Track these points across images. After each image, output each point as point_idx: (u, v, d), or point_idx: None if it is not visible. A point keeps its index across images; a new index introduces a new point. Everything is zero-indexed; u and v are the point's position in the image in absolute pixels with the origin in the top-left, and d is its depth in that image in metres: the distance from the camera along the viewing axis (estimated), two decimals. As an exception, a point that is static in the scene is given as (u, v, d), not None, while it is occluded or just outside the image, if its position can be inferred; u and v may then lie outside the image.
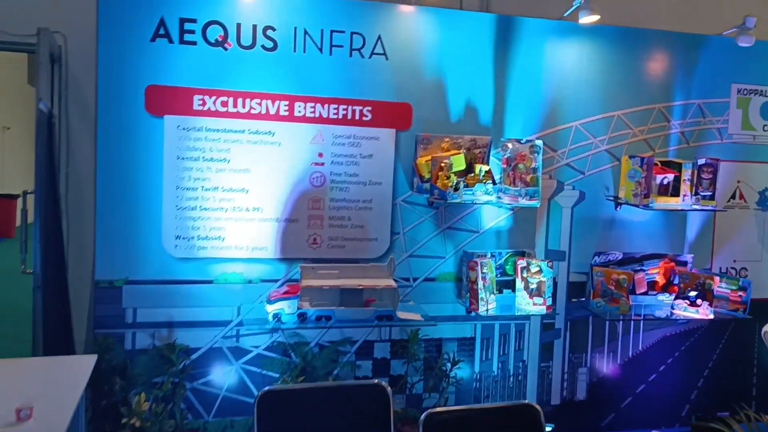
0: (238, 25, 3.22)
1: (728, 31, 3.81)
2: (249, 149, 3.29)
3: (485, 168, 3.48)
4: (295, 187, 3.37)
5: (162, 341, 3.27)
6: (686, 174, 3.69)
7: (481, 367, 3.73)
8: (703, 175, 3.72)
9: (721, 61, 3.91)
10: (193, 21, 3.16)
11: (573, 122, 3.72)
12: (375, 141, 3.46)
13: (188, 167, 3.23)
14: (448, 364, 3.65)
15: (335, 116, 3.38)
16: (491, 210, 3.64)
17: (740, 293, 3.76)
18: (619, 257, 3.81)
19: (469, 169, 3.48)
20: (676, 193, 3.70)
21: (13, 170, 13.03)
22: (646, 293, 3.79)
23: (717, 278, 3.73)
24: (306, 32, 3.31)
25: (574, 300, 3.82)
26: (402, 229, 3.54)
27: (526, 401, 2.76)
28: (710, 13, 4.25)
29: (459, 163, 3.44)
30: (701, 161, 3.73)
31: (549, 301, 3.49)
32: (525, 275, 3.52)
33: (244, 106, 3.26)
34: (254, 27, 3.24)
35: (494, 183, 3.46)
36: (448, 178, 3.33)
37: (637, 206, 3.60)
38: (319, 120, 3.36)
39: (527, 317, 3.71)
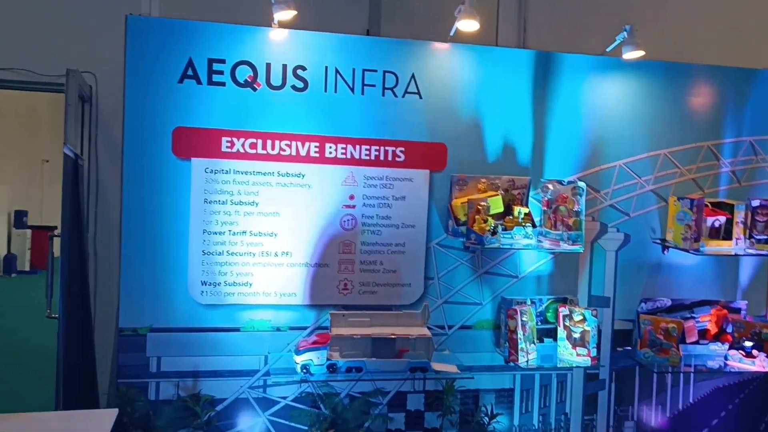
0: (268, 65, 3.13)
1: (781, 64, 3.62)
2: (278, 192, 3.18)
3: (524, 210, 3.31)
4: (325, 230, 3.24)
5: (186, 391, 3.15)
6: (739, 216, 3.48)
7: (521, 420, 3.52)
8: (757, 218, 3.49)
9: (773, 96, 3.71)
10: (222, 62, 3.09)
11: (617, 161, 3.55)
12: (408, 182, 3.32)
13: (215, 211, 3.12)
14: (486, 418, 3.45)
15: (367, 157, 3.26)
16: (531, 253, 3.47)
17: (800, 343, 3.50)
18: (668, 304, 3.59)
19: (507, 211, 3.33)
20: (728, 236, 3.49)
21: (51, 202, 13.22)
22: (697, 342, 3.55)
23: (774, 327, 3.48)
24: (337, 71, 3.21)
25: (619, 349, 3.60)
26: (436, 274, 3.39)
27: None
28: (761, 46, 4.06)
29: (496, 205, 3.29)
30: (755, 203, 3.50)
31: (594, 352, 3.28)
32: (567, 323, 3.33)
33: (273, 148, 3.16)
34: (284, 67, 3.15)
35: (534, 226, 3.30)
36: (486, 221, 3.18)
37: (686, 251, 3.39)
38: (351, 161, 3.24)
39: (571, 368, 3.50)
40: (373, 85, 3.26)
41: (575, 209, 3.24)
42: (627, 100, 3.54)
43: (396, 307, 3.33)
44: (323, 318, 3.25)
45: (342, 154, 3.24)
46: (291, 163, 3.18)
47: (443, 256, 3.40)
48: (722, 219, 3.49)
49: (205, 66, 3.07)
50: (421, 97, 3.31)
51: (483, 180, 3.35)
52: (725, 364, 3.48)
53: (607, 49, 3.51)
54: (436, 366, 3.11)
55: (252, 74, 3.12)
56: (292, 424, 3.26)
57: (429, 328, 3.24)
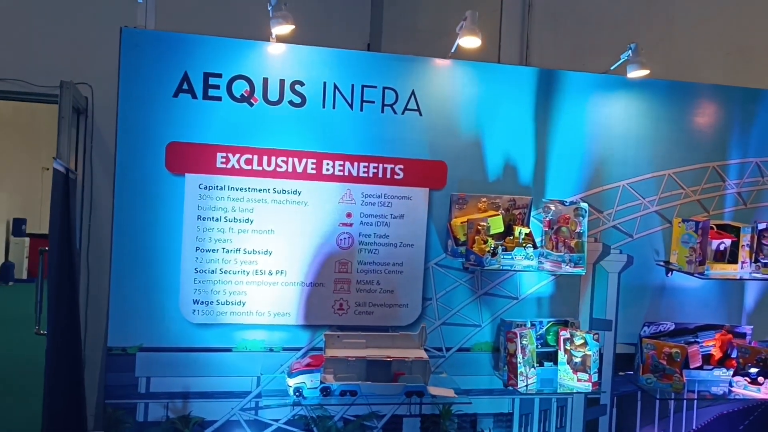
0: (265, 80, 3.07)
1: (788, 85, 3.55)
2: (273, 209, 3.11)
3: (525, 230, 3.24)
4: (321, 248, 3.17)
5: (176, 413, 3.06)
6: (745, 239, 3.40)
7: (520, 445, 3.44)
8: (764, 241, 3.42)
9: (780, 116, 3.64)
10: (218, 76, 3.03)
11: (620, 181, 3.48)
12: (407, 201, 3.25)
13: (209, 228, 3.05)
14: (484, 443, 3.37)
15: (365, 174, 3.20)
16: (531, 275, 3.39)
17: (807, 371, 3.41)
18: (671, 328, 3.50)
19: (508, 231, 3.25)
20: (733, 259, 3.41)
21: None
22: (701, 368, 3.46)
23: (781, 354, 3.39)
24: (336, 87, 3.15)
25: (621, 374, 3.52)
26: (435, 294, 3.31)
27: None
28: (767, 66, 4.00)
29: (497, 225, 3.21)
30: (762, 225, 3.43)
31: (595, 377, 3.20)
32: (568, 347, 3.25)
33: (269, 164, 3.09)
34: (281, 82, 3.09)
35: (535, 247, 3.22)
36: (486, 242, 3.10)
37: (691, 274, 3.31)
38: (348, 179, 3.17)
39: (571, 394, 3.41)
40: (373, 102, 3.19)
41: (577, 230, 3.17)
42: (631, 119, 3.48)
43: (393, 329, 3.25)
44: (318, 338, 3.17)
45: (339, 171, 3.17)
46: (287, 180, 3.11)
47: (442, 276, 3.32)
48: (728, 242, 3.41)
49: (200, 80, 3.01)
50: (421, 114, 3.25)
51: (483, 199, 3.28)
52: (730, 391, 3.39)
53: (612, 68, 3.45)
54: (433, 390, 3.03)
55: (249, 89, 3.06)
56: (285, 447, 3.18)
57: (426, 350, 3.17)
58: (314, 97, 3.13)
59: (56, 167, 2.90)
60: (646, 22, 4.45)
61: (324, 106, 3.14)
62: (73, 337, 3.14)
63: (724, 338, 3.55)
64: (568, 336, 3.25)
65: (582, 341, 3.21)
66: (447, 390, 3.11)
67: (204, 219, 3.05)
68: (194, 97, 3.01)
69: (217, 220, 3.06)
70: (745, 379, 3.36)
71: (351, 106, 3.17)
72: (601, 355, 3.36)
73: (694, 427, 3.66)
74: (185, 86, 3.00)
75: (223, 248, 3.08)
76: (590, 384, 3.20)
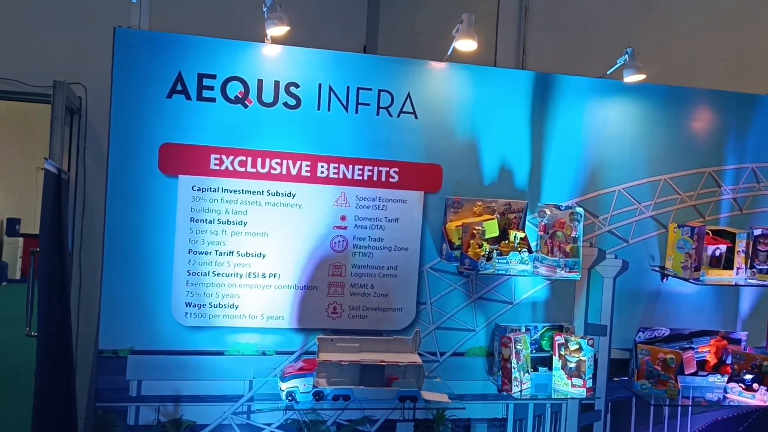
0: (260, 81, 3.05)
1: (785, 91, 3.54)
2: (267, 211, 3.09)
3: (520, 235, 3.23)
4: (315, 252, 3.15)
5: (167, 417, 3.03)
6: (741, 245, 3.39)
7: (513, 451, 3.42)
8: (759, 247, 3.41)
9: (777, 122, 3.63)
10: (213, 77, 3.00)
11: (616, 186, 3.46)
12: (402, 204, 3.23)
13: (202, 230, 3.03)
14: (477, 449, 3.34)
15: (360, 177, 3.17)
16: (526, 279, 3.37)
17: (802, 377, 3.40)
18: (666, 333, 3.49)
19: (503, 235, 3.24)
20: (729, 265, 3.40)
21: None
22: (695, 374, 3.45)
23: (776, 360, 3.38)
24: (331, 89, 3.13)
25: (615, 379, 3.50)
26: (429, 298, 3.29)
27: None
28: (764, 72, 3.99)
29: (492, 229, 3.20)
30: (757, 231, 3.42)
31: (589, 383, 3.18)
32: (563, 353, 3.23)
33: (263, 166, 3.07)
34: (276, 83, 3.07)
35: (530, 251, 3.21)
36: (480, 246, 3.09)
37: (686, 280, 3.30)
38: (343, 181, 3.15)
39: (566, 399, 3.39)
40: (368, 104, 3.18)
41: (573, 235, 3.16)
42: (627, 123, 3.47)
43: (387, 332, 3.23)
44: (311, 342, 3.15)
45: (334, 173, 3.15)
46: (281, 182, 3.09)
47: (436, 280, 3.30)
48: (723, 248, 3.40)
49: (194, 81, 2.99)
50: (416, 117, 3.23)
51: (479, 203, 3.26)
52: (724, 398, 3.38)
53: (608, 72, 3.44)
54: (426, 395, 3.00)
55: (243, 90, 3.04)
56: (277, 452, 3.15)
57: (420, 355, 3.14)
58: (309, 99, 3.10)
59: (47, 167, 2.87)
60: (643, 27, 4.45)
61: (319, 108, 3.12)
62: (64, 339, 3.11)
63: (719, 344, 3.54)
64: (563, 341, 3.23)
65: (577, 346, 3.19)
66: (441, 395, 3.09)
67: (197, 221, 3.02)
68: (188, 98, 2.99)
69: (210, 222, 3.04)
70: (740, 386, 3.34)
71: (346, 108, 3.15)
72: (595, 361, 3.35)
73: (688, 433, 3.65)
74: (179, 87, 2.97)
75: (216, 250, 3.05)
76: (585, 389, 3.18)
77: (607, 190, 3.46)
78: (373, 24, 4.14)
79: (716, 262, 3.42)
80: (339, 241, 3.18)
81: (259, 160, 3.06)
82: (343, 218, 3.17)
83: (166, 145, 2.97)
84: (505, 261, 3.13)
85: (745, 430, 3.72)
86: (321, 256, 3.15)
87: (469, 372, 3.34)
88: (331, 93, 3.12)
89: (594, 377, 3.26)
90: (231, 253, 3.06)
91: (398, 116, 3.20)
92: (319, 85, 3.11)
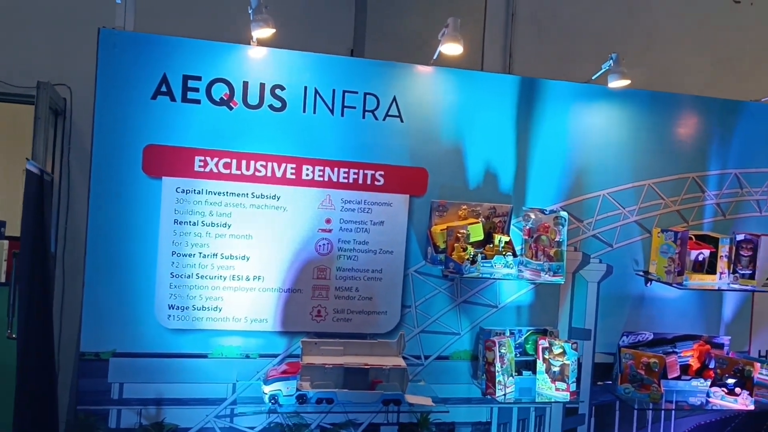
0: (245, 84, 3.04)
1: (767, 97, 3.57)
2: (252, 214, 3.08)
3: (505, 239, 3.23)
4: (299, 254, 3.14)
5: (149, 420, 3.01)
6: (723, 250, 3.41)
7: (497, 455, 3.42)
8: (742, 252, 3.43)
9: (759, 128, 3.66)
10: (198, 79, 2.99)
11: (600, 191, 3.48)
12: (387, 207, 3.23)
13: (186, 232, 3.01)
14: (461, 452, 3.34)
15: (345, 180, 3.17)
16: (511, 283, 3.38)
17: (783, 382, 3.42)
18: (649, 338, 3.50)
19: (488, 239, 3.24)
20: (712, 270, 3.42)
21: (29, 212, 13.01)
22: (678, 378, 3.47)
23: (758, 365, 3.40)
24: (317, 92, 3.12)
25: (599, 383, 3.51)
26: (414, 302, 3.29)
27: None
28: (748, 78, 4.03)
29: (477, 233, 3.20)
30: (740, 236, 3.45)
31: (573, 387, 3.19)
32: (547, 356, 3.24)
33: (248, 168, 3.06)
34: (262, 85, 3.06)
35: (515, 255, 3.22)
36: (465, 249, 3.09)
37: (670, 284, 3.32)
38: (328, 184, 3.15)
39: (549, 403, 3.40)
40: (354, 107, 3.18)
41: (557, 239, 3.17)
42: (612, 128, 3.49)
43: (371, 336, 3.23)
44: (295, 345, 3.14)
45: (319, 176, 3.14)
46: (266, 185, 3.08)
47: (421, 283, 3.30)
48: (706, 252, 3.43)
49: (179, 83, 2.98)
50: (402, 121, 3.23)
51: (464, 207, 3.26)
52: (707, 402, 3.40)
53: (593, 77, 3.46)
54: (410, 398, 3.00)
55: (228, 92, 3.03)
56: (260, 455, 3.14)
57: (404, 358, 3.14)
58: (295, 102, 3.10)
59: (29, 168, 2.85)
60: (628, 33, 4.48)
61: (304, 111, 3.12)
62: (45, 342, 3.08)
63: (702, 349, 3.56)
64: (547, 345, 3.24)
65: (561, 350, 3.20)
66: (425, 398, 3.09)
67: (181, 223, 3.01)
68: (173, 99, 2.98)
69: (194, 224, 3.02)
70: (723, 390, 3.36)
71: (332, 111, 3.15)
72: (579, 365, 3.36)
73: (671, 438, 3.67)
74: (164, 88, 2.96)
75: (200, 253, 3.04)
76: (568, 393, 3.18)
77: (591, 194, 3.47)
78: (360, 28, 4.15)
79: (699, 267, 3.44)
80: (324, 244, 3.17)
81: (244, 162, 3.05)
82: (328, 221, 3.17)
83: (150, 146, 2.96)
84: (489, 265, 3.13)
85: (727, 435, 3.74)
86: (305, 258, 3.14)
87: (453, 375, 3.34)
88: (317, 96, 3.12)
89: (578, 381, 3.27)
90: (215, 255, 3.05)
91: (384, 119, 3.20)
92: (305, 87, 3.11)
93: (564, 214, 3.18)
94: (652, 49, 4.44)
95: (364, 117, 3.18)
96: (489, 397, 3.15)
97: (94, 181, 2.93)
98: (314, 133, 3.13)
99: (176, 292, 3.01)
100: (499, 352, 3.15)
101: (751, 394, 3.31)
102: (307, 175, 3.13)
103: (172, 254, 3.00)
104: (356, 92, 3.17)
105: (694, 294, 3.59)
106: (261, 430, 3.13)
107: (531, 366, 3.32)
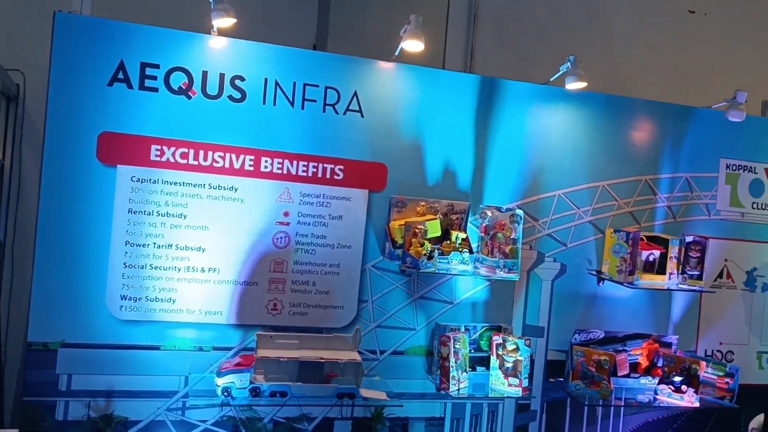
0: (204, 73, 3.01)
1: (718, 104, 3.68)
2: (208, 205, 3.04)
3: (462, 235, 3.27)
4: (256, 247, 3.12)
5: (98, 412, 2.96)
6: (673, 251, 3.51)
7: (450, 450, 3.44)
8: (690, 253, 3.54)
9: (710, 134, 3.77)
10: (156, 66, 2.96)
11: (556, 191, 3.54)
12: (346, 201, 3.24)
13: (140, 222, 2.97)
14: (414, 447, 3.36)
15: (304, 174, 3.16)
16: (467, 280, 3.41)
17: (727, 380, 3.53)
18: (601, 336, 3.57)
19: (445, 235, 3.27)
20: (662, 270, 3.51)
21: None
22: (628, 376, 3.55)
23: (704, 363, 3.50)
24: (277, 84, 3.11)
25: (551, 380, 3.57)
26: (371, 297, 3.30)
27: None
28: (700, 86, 4.15)
29: (434, 229, 3.23)
30: (689, 238, 3.55)
31: (525, 383, 3.24)
32: (500, 352, 3.28)
33: (205, 159, 3.03)
34: (221, 76, 3.03)
35: (471, 252, 3.25)
36: (422, 245, 3.11)
37: (621, 283, 3.39)
38: (287, 177, 3.14)
39: (502, 398, 3.44)
40: (314, 101, 3.17)
41: (512, 237, 3.21)
42: (569, 130, 3.55)
43: (327, 330, 3.22)
44: (250, 338, 3.11)
45: (278, 169, 3.13)
46: (223, 176, 3.05)
47: (378, 278, 3.31)
48: (657, 253, 3.52)
49: (137, 70, 2.93)
50: (362, 116, 3.24)
51: (422, 203, 3.29)
52: (654, 399, 3.48)
53: (551, 79, 3.51)
54: (365, 392, 3.01)
55: (187, 81, 3.00)
56: (211, 449, 3.10)
57: (360, 353, 3.15)
58: (254, 93, 3.08)
59: (-22, 153, 2.78)
60: (587, 37, 4.57)
61: (264, 103, 3.10)
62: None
63: (651, 347, 3.65)
64: (501, 341, 3.28)
65: (514, 347, 3.24)
66: (379, 393, 3.10)
67: (135, 212, 2.96)
68: (130, 86, 2.93)
69: (149, 214, 2.98)
70: (670, 388, 3.45)
71: (292, 103, 3.14)
72: (532, 361, 3.41)
73: (620, 434, 3.74)
74: (120, 75, 2.92)
75: (155, 243, 3.00)
76: (520, 389, 3.23)
77: (547, 194, 3.53)
78: (323, 23, 4.14)
79: (650, 267, 3.53)
80: (281, 237, 3.16)
81: (202, 152, 3.02)
82: (285, 214, 3.15)
83: (105, 134, 2.91)
84: (446, 261, 3.16)
85: (674, 431, 3.84)
86: (262, 251, 3.13)
87: (408, 371, 3.36)
88: (277, 88, 3.11)
89: (530, 377, 3.33)
90: (170, 246, 3.01)
91: (344, 114, 3.21)
92: (265, 79, 3.09)
93: (520, 212, 3.23)
94: (609, 53, 4.54)
95: (324, 111, 3.18)
96: (443, 392, 3.18)
97: (46, 168, 2.87)
98: (274, 125, 3.11)
99: (129, 282, 2.97)
100: (454, 347, 3.18)
101: (696, 392, 3.40)
102: (266, 167, 3.11)
103: (126, 244, 2.96)
104: (317, 86, 3.16)
105: (645, 293, 3.67)
106: (213, 423, 3.10)
107: (485, 362, 3.36)
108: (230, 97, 3.06)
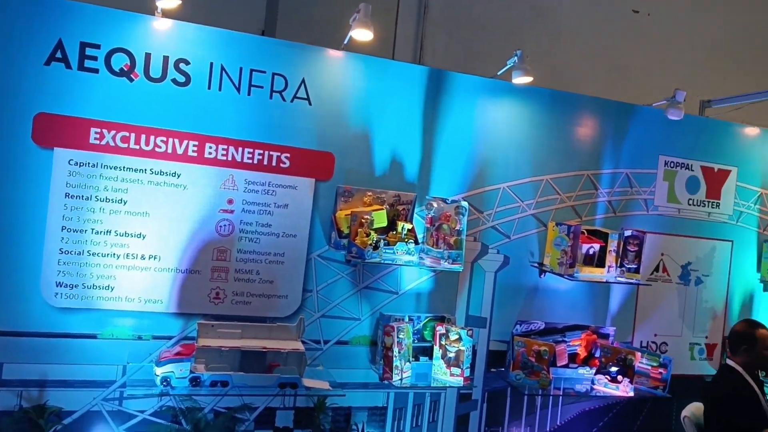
0: (147, 55, 2.94)
1: (658, 102, 3.79)
2: (150, 191, 2.97)
3: (408, 226, 3.28)
4: (199, 234, 3.06)
5: (30, 402, 2.86)
6: (612, 245, 3.60)
7: (392, 439, 3.47)
8: (629, 247, 3.64)
9: (650, 132, 3.88)
10: (96, 47, 2.86)
11: (501, 184, 3.59)
12: (292, 190, 3.21)
13: (78, 206, 2.88)
14: (356, 437, 3.37)
15: (250, 161, 3.12)
16: (412, 270, 3.43)
17: (661, 370, 3.65)
18: (541, 327, 3.65)
19: (392, 226, 3.28)
20: (601, 263, 3.60)
21: None
22: (567, 366, 3.64)
23: (639, 354, 3.61)
24: (223, 69, 3.05)
25: (493, 370, 3.62)
26: (315, 286, 3.28)
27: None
28: (641, 84, 4.26)
29: (380, 219, 3.23)
30: (627, 232, 3.65)
31: (467, 372, 3.28)
32: (443, 342, 3.31)
33: (147, 143, 2.96)
34: (165, 58, 2.96)
35: (417, 243, 3.27)
36: (368, 235, 3.11)
37: (561, 276, 3.47)
38: (232, 164, 3.09)
39: (444, 388, 3.48)
40: (261, 87, 3.13)
41: (457, 228, 3.24)
42: (515, 124, 3.60)
43: (271, 320, 3.19)
44: (191, 328, 3.06)
45: (223, 155, 3.08)
46: (166, 161, 2.98)
47: (324, 268, 3.30)
48: (596, 246, 3.60)
49: (76, 49, 2.84)
50: (310, 104, 3.21)
51: (369, 193, 3.28)
52: (591, 389, 3.57)
53: (498, 73, 3.55)
54: (307, 382, 3.00)
55: (129, 63, 2.92)
56: (150, 440, 3.04)
57: (303, 343, 3.13)
58: (199, 78, 3.02)
59: None
60: (535, 33, 4.64)
61: (210, 88, 3.04)
62: None
63: (589, 338, 3.74)
64: (444, 331, 3.31)
65: (457, 337, 3.28)
66: (322, 382, 3.09)
67: (73, 197, 2.87)
68: (68, 66, 2.83)
69: (87, 198, 2.89)
70: (606, 378, 3.54)
71: (238, 89, 3.09)
72: (474, 352, 3.45)
73: (558, 423, 3.83)
74: (59, 54, 2.81)
75: (93, 229, 2.91)
76: (462, 379, 3.27)
77: (492, 187, 3.57)
78: (272, 9, 4.09)
79: (590, 260, 3.62)
80: (225, 225, 3.11)
81: (143, 136, 2.95)
82: (230, 201, 3.11)
83: (41, 114, 2.80)
84: (391, 251, 3.17)
85: (609, 421, 3.94)
86: (205, 239, 3.07)
87: (352, 360, 3.36)
88: (223, 73, 3.06)
89: (472, 367, 3.37)
90: (108, 232, 2.93)
91: (292, 101, 3.17)
92: (211, 63, 3.04)
93: (465, 204, 3.26)
94: (556, 50, 4.61)
95: (271, 97, 3.14)
96: (386, 381, 3.19)
97: (-23, 148, 2.75)
98: (219, 110, 3.06)
99: (65, 269, 2.88)
100: (398, 337, 3.19)
101: (631, 382, 3.51)
102: (210, 153, 3.05)
103: (62, 229, 2.86)
104: (264, 72, 3.12)
105: (584, 286, 3.76)
106: (152, 413, 3.04)
107: (429, 352, 3.38)
108: (174, 81, 2.99)
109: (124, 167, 2.93)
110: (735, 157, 4.10)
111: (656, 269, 3.96)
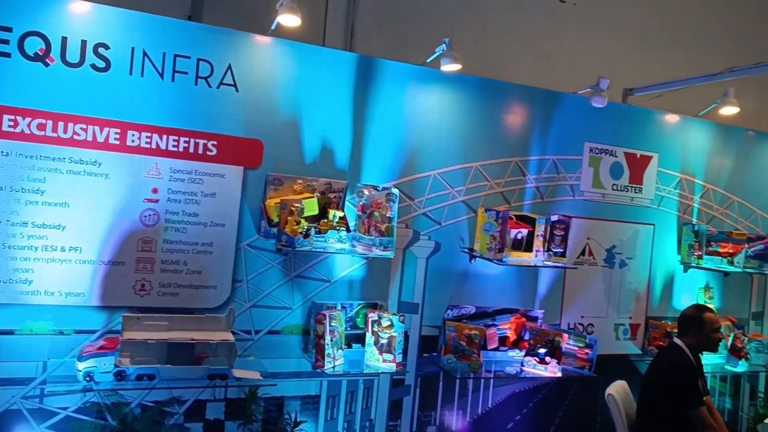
0: (64, 39, 2.82)
1: (583, 90, 3.89)
2: (69, 180, 2.87)
3: (339, 214, 3.27)
4: (122, 225, 2.97)
5: (-57, 403, 2.73)
6: (540, 229, 3.68)
7: (326, 427, 3.46)
8: (555, 232, 3.72)
9: (575, 119, 3.98)
10: (8, 30, 2.73)
11: (431, 171, 3.61)
12: (219, 178, 3.15)
13: (-9, 197, 2.75)
14: (289, 426, 3.34)
15: (175, 149, 3.04)
16: (344, 258, 3.42)
17: (587, 350, 3.76)
18: (472, 311, 3.71)
19: (323, 214, 3.26)
20: (529, 248, 3.68)
21: None
22: (497, 349, 3.71)
23: (566, 335, 3.71)
24: (145, 54, 2.96)
25: (425, 355, 3.66)
26: (246, 276, 3.23)
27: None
28: (567, 73, 4.36)
29: (311, 207, 3.20)
30: (554, 217, 3.74)
31: (399, 358, 3.30)
32: (376, 329, 3.32)
33: (65, 131, 2.84)
34: (83, 43, 2.85)
35: (348, 230, 3.26)
36: (298, 223, 3.08)
37: (491, 260, 3.53)
38: (156, 152, 3.01)
39: (376, 374, 3.50)
40: (186, 73, 3.05)
41: (388, 215, 3.25)
42: (444, 111, 3.63)
43: (199, 311, 3.13)
44: (115, 321, 2.97)
45: (146, 143, 2.99)
46: (86, 150, 2.88)
47: (254, 257, 3.25)
48: (524, 231, 3.67)
49: (-15, 32, 2.70)
50: (237, 90, 3.15)
51: (299, 181, 3.25)
52: (521, 370, 3.65)
53: (428, 60, 3.57)
54: (237, 373, 2.96)
55: (44, 47, 2.79)
56: (74, 437, 2.95)
57: (234, 333, 3.09)
58: (120, 63, 2.92)
59: None
60: (464, 22, 4.68)
61: (131, 73, 2.95)
62: None
63: (519, 321, 3.82)
64: (376, 318, 3.32)
65: (389, 323, 3.29)
66: (253, 373, 3.06)
67: (-15, 187, 2.74)
68: (-23, 50, 2.70)
69: (1, 189, 2.76)
70: (535, 359, 3.63)
71: (161, 75, 3.00)
72: (407, 337, 3.48)
73: (489, 405, 3.91)
74: (-34, 37, 2.67)
75: (8, 220, 2.79)
76: (394, 365, 3.29)
77: (423, 174, 3.60)
78: (198, -6, 3.99)
79: (518, 245, 3.69)
80: (149, 215, 3.03)
81: (61, 124, 2.83)
82: (154, 191, 3.02)
83: (-52, 100, 2.66)
84: (323, 239, 3.15)
85: (539, 401, 4.05)
86: (129, 230, 2.99)
87: (284, 350, 3.34)
88: (146, 58, 2.96)
89: (404, 353, 3.40)
90: (25, 223, 2.81)
91: (218, 87, 3.11)
92: (132, 48, 2.94)
93: (395, 191, 3.27)
94: (484, 39, 4.67)
95: (196, 84, 3.07)
96: (318, 370, 3.18)
97: None
98: (141, 97, 2.97)
99: (-22, 262, 2.75)
100: (330, 325, 3.18)
101: (559, 363, 3.60)
102: (133, 141, 2.96)
103: (-26, 221, 2.73)
104: (189, 57, 3.05)
105: (513, 270, 3.84)
106: (75, 410, 2.94)
107: (361, 339, 3.39)
108: (93, 66, 2.88)
109: (40, 156, 2.81)
110: (656, 143, 4.25)
111: (582, 253, 4.08)
